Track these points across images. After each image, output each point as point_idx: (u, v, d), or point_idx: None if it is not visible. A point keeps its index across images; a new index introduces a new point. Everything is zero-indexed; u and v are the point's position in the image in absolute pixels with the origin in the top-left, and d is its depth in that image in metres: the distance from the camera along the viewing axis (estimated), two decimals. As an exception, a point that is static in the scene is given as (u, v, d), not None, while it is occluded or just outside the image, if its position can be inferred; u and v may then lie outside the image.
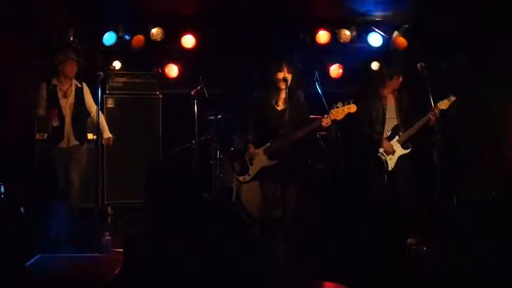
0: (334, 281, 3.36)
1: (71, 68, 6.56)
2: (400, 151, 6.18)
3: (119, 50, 7.69)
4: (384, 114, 6.25)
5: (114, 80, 7.78)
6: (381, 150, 6.17)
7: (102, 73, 6.16)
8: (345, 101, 5.66)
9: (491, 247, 4.75)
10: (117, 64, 7.72)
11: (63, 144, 6.50)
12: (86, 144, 6.60)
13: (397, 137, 6.19)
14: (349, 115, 5.77)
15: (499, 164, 6.65)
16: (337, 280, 3.31)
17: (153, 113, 7.89)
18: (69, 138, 6.49)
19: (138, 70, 7.94)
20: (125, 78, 7.84)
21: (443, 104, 5.68)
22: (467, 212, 5.37)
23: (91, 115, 6.66)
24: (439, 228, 5.54)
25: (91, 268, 4.00)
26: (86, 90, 6.70)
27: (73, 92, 6.59)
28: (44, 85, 6.53)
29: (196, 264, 0.98)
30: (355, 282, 3.23)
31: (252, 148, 5.82)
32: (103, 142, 6.59)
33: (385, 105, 6.26)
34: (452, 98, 5.84)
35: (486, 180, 6.66)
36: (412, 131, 6.08)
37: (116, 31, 7.54)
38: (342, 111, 5.63)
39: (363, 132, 6.33)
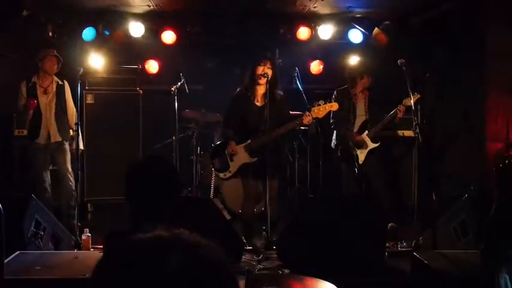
0: (315, 276, 3.38)
1: (51, 64, 6.51)
2: (370, 145, 6.29)
3: (98, 45, 7.59)
4: (354, 112, 6.35)
5: (93, 75, 7.69)
6: (351, 144, 6.26)
7: (81, 68, 6.12)
8: (327, 99, 5.72)
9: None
10: (96, 59, 7.59)
11: (41, 141, 6.45)
12: (68, 141, 6.58)
13: (366, 132, 6.30)
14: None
15: (477, 160, 6.73)
16: (318, 275, 3.34)
17: (133, 109, 7.83)
18: (52, 135, 6.46)
19: (118, 66, 7.87)
20: (105, 74, 7.76)
21: (408, 101, 5.80)
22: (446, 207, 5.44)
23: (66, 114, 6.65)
24: (417, 223, 5.60)
25: (71, 265, 3.97)
26: (67, 89, 6.66)
27: (54, 89, 6.54)
28: (23, 83, 6.48)
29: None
30: (335, 277, 3.26)
31: (233, 145, 5.81)
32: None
33: (356, 102, 6.37)
34: (417, 96, 5.97)
35: (464, 176, 6.74)
36: (380, 125, 6.27)
37: (96, 26, 7.45)
38: (323, 109, 5.67)
39: (333, 128, 6.47)
